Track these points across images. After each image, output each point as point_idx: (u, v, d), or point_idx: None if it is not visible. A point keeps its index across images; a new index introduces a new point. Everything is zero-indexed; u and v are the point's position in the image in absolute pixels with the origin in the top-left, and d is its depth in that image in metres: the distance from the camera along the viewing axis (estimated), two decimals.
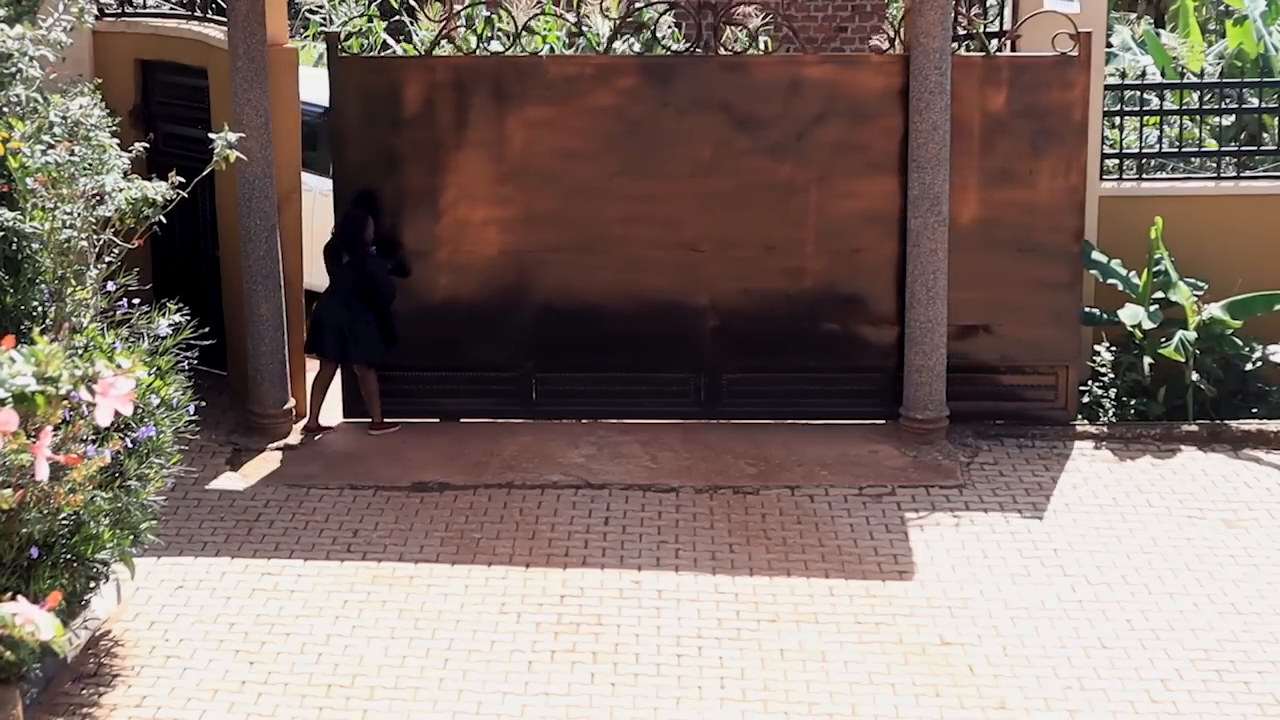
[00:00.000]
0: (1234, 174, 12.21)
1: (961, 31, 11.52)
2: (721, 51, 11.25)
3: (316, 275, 13.30)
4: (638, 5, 11.78)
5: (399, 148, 11.08)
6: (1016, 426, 11.17)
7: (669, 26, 18.98)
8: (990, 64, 11.00)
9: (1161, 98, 12.46)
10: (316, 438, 11.06)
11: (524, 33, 11.91)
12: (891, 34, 11.60)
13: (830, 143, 11.01)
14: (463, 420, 11.36)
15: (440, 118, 11.05)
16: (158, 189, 8.03)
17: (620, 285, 11.19)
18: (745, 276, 11.17)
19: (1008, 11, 12.31)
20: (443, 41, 11.37)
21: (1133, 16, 16.43)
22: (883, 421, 11.23)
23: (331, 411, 11.38)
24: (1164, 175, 12.44)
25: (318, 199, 13.80)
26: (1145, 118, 12.34)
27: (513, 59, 11.31)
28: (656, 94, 11.05)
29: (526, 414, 11.33)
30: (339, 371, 11.22)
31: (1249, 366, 11.54)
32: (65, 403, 4.55)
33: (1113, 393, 11.50)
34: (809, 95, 11.01)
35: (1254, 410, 11.42)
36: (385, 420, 11.20)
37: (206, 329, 8.76)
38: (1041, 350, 11.25)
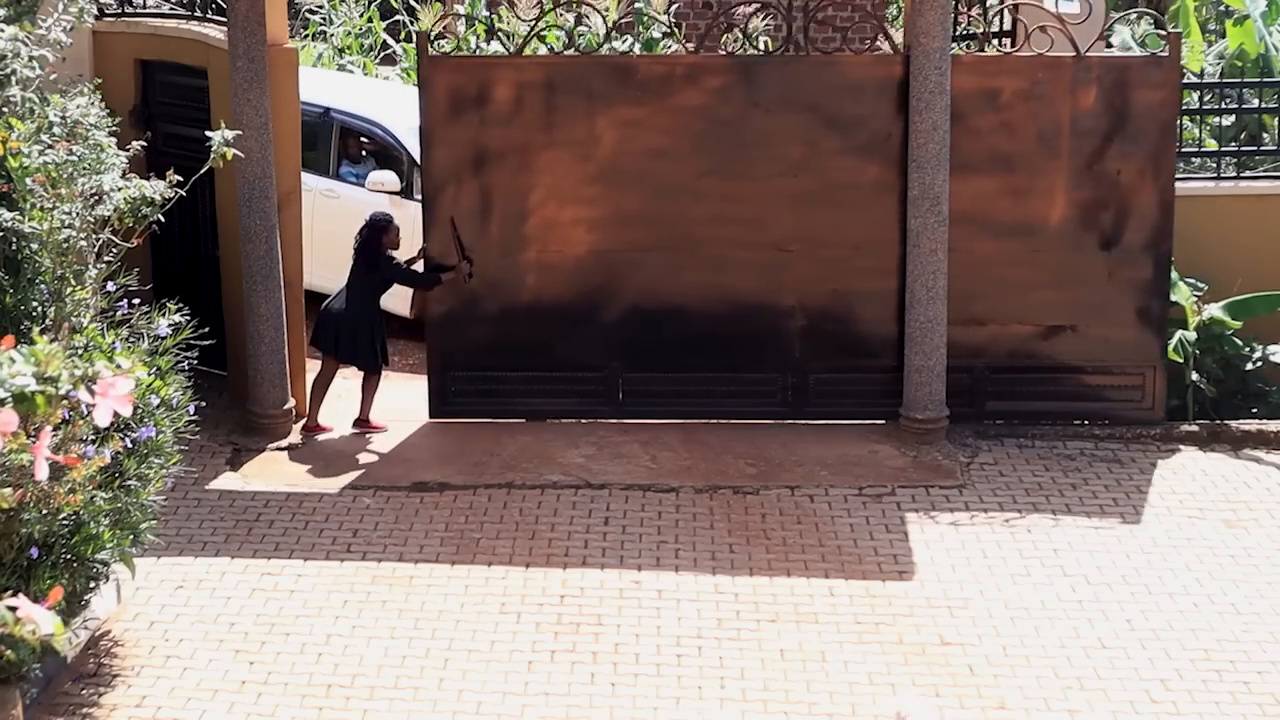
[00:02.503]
0: (1234, 174, 12.21)
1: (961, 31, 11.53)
2: (811, 51, 11.18)
3: (316, 275, 13.35)
4: (735, 6, 11.73)
5: (487, 147, 11.09)
6: (1017, 426, 11.17)
7: (667, 28, 19.02)
8: (1081, 64, 10.98)
9: None
10: (318, 438, 11.07)
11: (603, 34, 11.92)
12: (890, 35, 11.60)
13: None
14: (549, 420, 11.37)
15: (529, 117, 11.07)
16: (156, 188, 8.03)
17: (707, 285, 11.17)
18: (833, 276, 11.14)
19: (1008, 12, 12.31)
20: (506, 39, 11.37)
21: (1133, 16, 16.41)
22: (883, 421, 11.24)
23: (328, 412, 11.38)
24: None
25: (318, 199, 13.83)
26: None
27: (603, 58, 11.37)
28: (746, 94, 11.03)
29: (613, 414, 11.33)
30: (433, 373, 11.26)
31: (1249, 366, 11.55)
32: (65, 403, 4.55)
33: None
34: (898, 95, 10.97)
35: (1254, 410, 11.43)
36: (372, 421, 11.19)
37: (206, 329, 8.76)
38: (1128, 351, 11.22)
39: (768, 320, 11.23)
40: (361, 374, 11.27)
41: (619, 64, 11.39)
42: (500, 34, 12.19)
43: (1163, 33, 10.90)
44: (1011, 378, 11.26)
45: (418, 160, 13.85)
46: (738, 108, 11.04)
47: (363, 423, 11.24)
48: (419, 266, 11.46)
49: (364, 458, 10.69)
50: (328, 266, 13.85)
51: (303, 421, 11.20)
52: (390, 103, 15.00)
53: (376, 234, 11.12)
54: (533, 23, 11.45)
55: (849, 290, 11.17)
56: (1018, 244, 11.14)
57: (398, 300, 13.85)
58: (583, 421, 11.40)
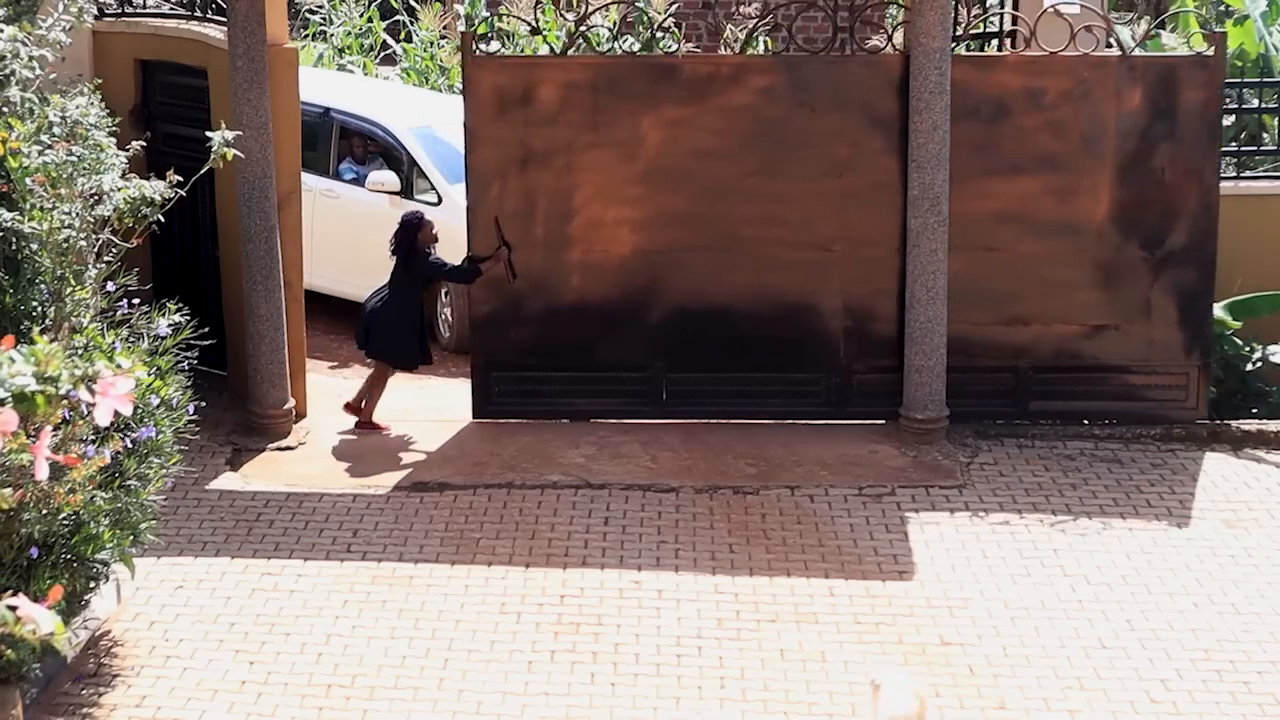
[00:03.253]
0: (1234, 174, 12.21)
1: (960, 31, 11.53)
2: (857, 51, 11.16)
3: (317, 275, 13.35)
4: (776, 5, 11.70)
5: (532, 147, 11.09)
6: (1017, 426, 11.18)
7: (670, 26, 19.01)
8: (1126, 64, 10.98)
9: None
10: (370, 434, 11.15)
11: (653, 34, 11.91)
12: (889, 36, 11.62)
13: (965, 142, 10.98)
14: (593, 420, 11.36)
15: (574, 117, 11.07)
16: (156, 188, 8.03)
17: (752, 285, 11.16)
18: (878, 277, 11.12)
19: (1008, 12, 12.31)
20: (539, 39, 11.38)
21: (1129, 17, 16.42)
22: (883, 421, 11.24)
23: (325, 411, 11.38)
24: None
25: (318, 199, 13.83)
26: None
27: (649, 58, 11.39)
28: (791, 93, 11.02)
29: (657, 415, 11.32)
30: (476, 373, 11.32)
31: (1249, 366, 11.54)
32: (65, 402, 4.55)
33: None
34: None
35: (1254, 410, 11.42)
36: (374, 422, 11.23)
37: (207, 329, 8.76)
38: (1172, 351, 11.20)
39: (811, 320, 11.20)
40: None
41: (664, 64, 11.39)
42: (543, 34, 12.15)
43: (1208, 31, 10.88)
44: (1056, 377, 11.24)
45: (417, 160, 13.88)
46: (783, 107, 11.03)
47: (366, 424, 11.27)
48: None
49: (364, 458, 10.69)
50: (328, 266, 13.88)
51: (355, 420, 11.28)
52: (390, 103, 15.01)
53: (411, 231, 11.20)
54: (576, 23, 11.45)
55: (894, 290, 11.14)
56: (1062, 243, 11.12)
57: None
58: (581, 421, 11.41)
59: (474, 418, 11.40)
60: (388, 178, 13.83)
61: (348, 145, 14.31)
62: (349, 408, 11.28)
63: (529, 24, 11.90)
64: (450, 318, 13.55)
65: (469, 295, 11.62)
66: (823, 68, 11.05)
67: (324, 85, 15.05)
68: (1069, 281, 11.18)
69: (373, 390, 11.32)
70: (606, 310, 11.27)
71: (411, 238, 11.18)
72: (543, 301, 11.26)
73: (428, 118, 14.69)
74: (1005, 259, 11.10)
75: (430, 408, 11.78)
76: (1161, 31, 16.11)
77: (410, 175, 13.87)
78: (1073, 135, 11.02)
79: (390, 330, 11.22)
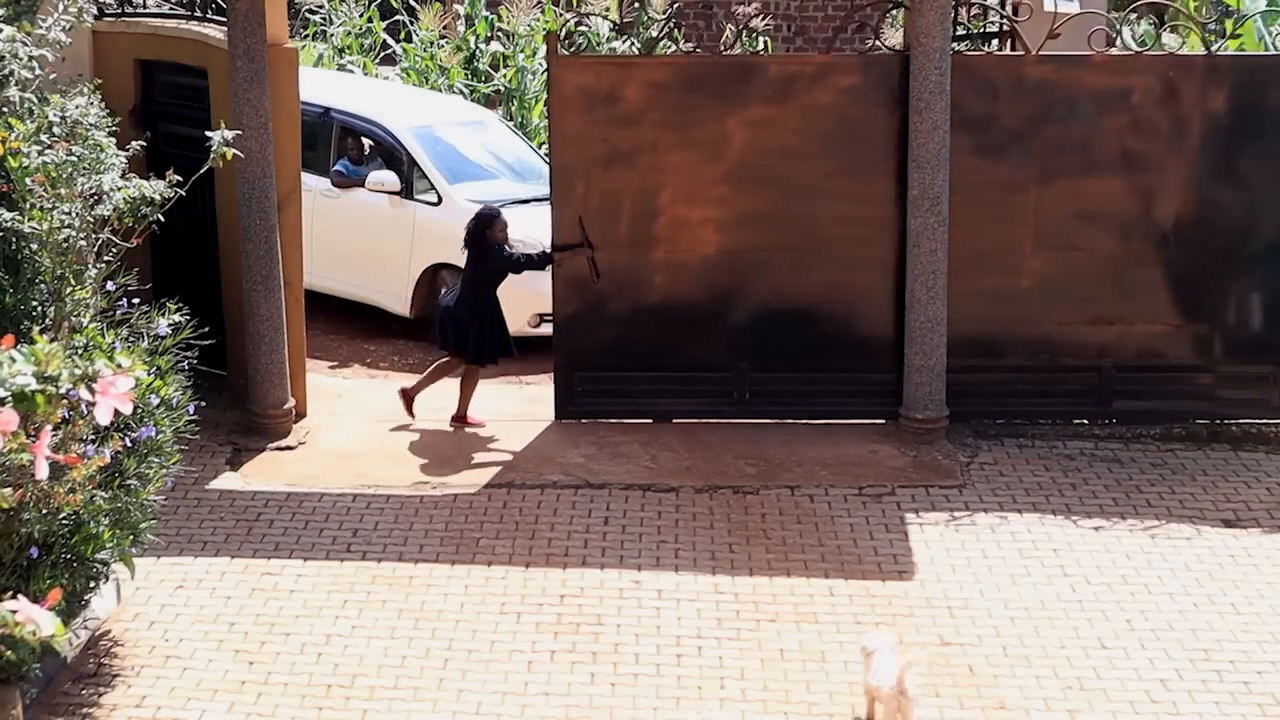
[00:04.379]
0: None
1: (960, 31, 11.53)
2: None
3: (316, 275, 13.35)
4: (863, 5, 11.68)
5: (616, 147, 11.09)
6: (1017, 426, 11.18)
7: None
8: (1211, 63, 10.98)
9: None
10: (466, 429, 11.25)
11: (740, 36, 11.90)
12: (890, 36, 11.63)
13: (1050, 142, 10.98)
14: (674, 421, 11.36)
15: (658, 117, 11.06)
16: (156, 188, 8.03)
17: (835, 285, 11.14)
18: (961, 276, 11.10)
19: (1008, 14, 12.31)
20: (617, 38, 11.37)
21: (1133, 17, 16.41)
22: (883, 421, 11.24)
23: (333, 410, 11.38)
24: None
25: (318, 199, 13.83)
26: None
27: (734, 58, 11.35)
28: (875, 93, 11.01)
29: (739, 414, 11.32)
30: (559, 373, 11.37)
31: None
32: (65, 402, 4.55)
33: None
34: (1029, 94, 10.98)
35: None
36: (469, 418, 11.30)
37: (207, 329, 8.75)
38: (1255, 350, 11.21)
39: (892, 321, 11.16)
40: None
41: (749, 64, 11.41)
42: (627, 34, 12.16)
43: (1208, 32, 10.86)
44: (1138, 377, 11.23)
45: (417, 160, 13.88)
46: (867, 107, 11.02)
47: (459, 419, 11.32)
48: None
49: (364, 457, 10.69)
50: (328, 266, 13.88)
51: (453, 414, 11.38)
52: (390, 103, 15.01)
53: (483, 226, 11.24)
54: (662, 24, 11.46)
55: (972, 290, 11.13)
56: (1145, 243, 11.12)
57: (396, 301, 13.88)
58: (582, 421, 11.41)
59: (556, 418, 11.41)
60: (388, 178, 13.83)
61: (347, 145, 14.31)
62: (456, 420, 11.34)
63: (612, 23, 11.94)
64: None
65: (554, 296, 11.57)
66: (906, 67, 11.00)
67: (324, 85, 15.05)
68: (1152, 281, 11.16)
69: (434, 382, 11.35)
70: (689, 310, 11.26)
71: (485, 232, 11.21)
72: (626, 301, 11.27)
73: (428, 118, 14.69)
74: (1088, 258, 11.09)
75: (430, 408, 11.77)
76: (1162, 31, 16.12)
77: (410, 175, 13.87)
78: (1156, 134, 11.00)
79: (464, 326, 11.26)
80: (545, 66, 11.27)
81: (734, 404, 11.36)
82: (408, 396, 11.45)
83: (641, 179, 11.13)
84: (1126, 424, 11.19)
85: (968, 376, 11.19)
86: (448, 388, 12.31)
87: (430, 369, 11.59)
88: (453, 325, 11.31)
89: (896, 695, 7.28)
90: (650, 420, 11.37)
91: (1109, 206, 11.08)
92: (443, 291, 11.67)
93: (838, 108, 10.99)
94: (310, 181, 13.47)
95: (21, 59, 8.01)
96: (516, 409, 11.84)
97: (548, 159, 11.44)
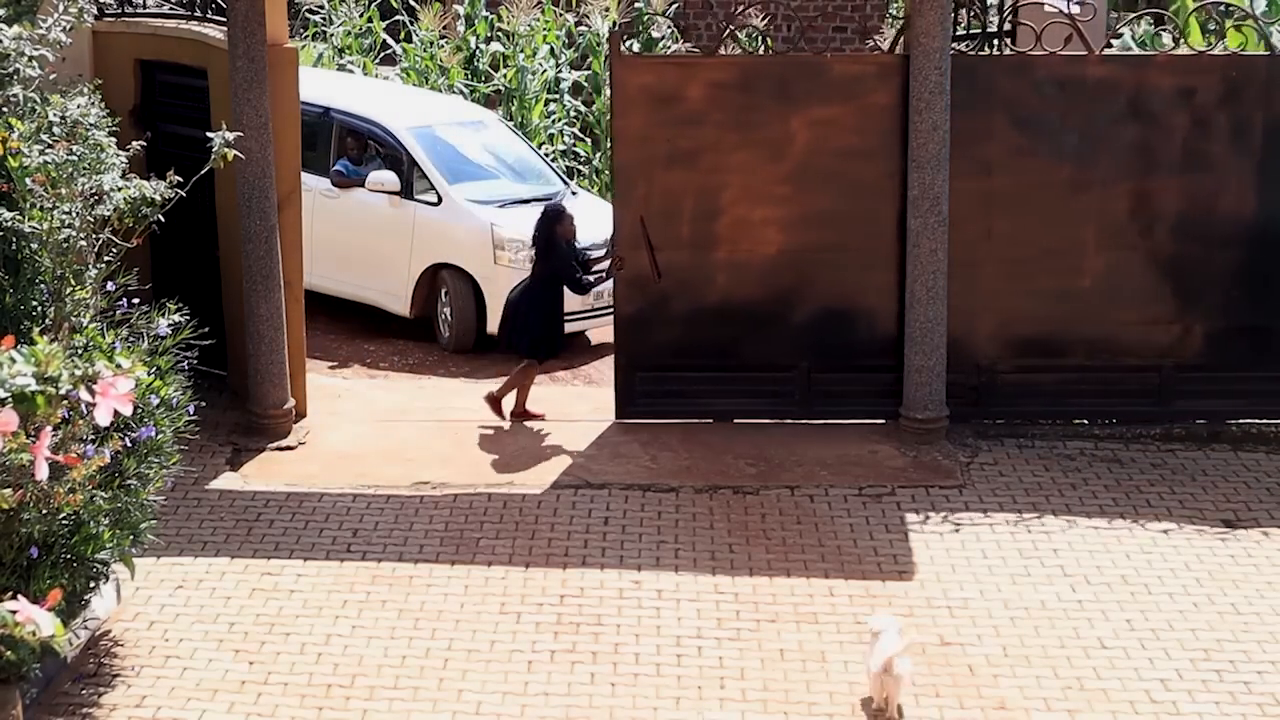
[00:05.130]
0: None
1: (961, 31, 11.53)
2: (1007, 51, 11.11)
3: (316, 275, 13.35)
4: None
5: (678, 147, 11.07)
6: (1017, 426, 11.18)
7: (668, 27, 19.05)
8: (1274, 62, 10.96)
9: None
10: (525, 424, 11.31)
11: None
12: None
13: (1112, 142, 10.98)
14: (735, 421, 11.33)
15: (720, 117, 11.04)
16: (156, 188, 8.03)
17: (896, 285, 11.10)
18: (1023, 276, 11.11)
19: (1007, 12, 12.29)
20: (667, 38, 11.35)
21: (1131, 16, 16.42)
22: (883, 421, 11.23)
23: (331, 410, 11.38)
24: None
25: (318, 199, 13.83)
26: None
27: (796, 58, 11.29)
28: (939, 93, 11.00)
29: (801, 414, 11.30)
30: (619, 374, 11.38)
31: None
32: (65, 402, 4.56)
33: None
34: (1091, 94, 10.97)
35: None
36: (529, 411, 11.36)
37: (207, 329, 8.75)
38: None
39: (957, 320, 11.14)
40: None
41: (812, 64, 11.38)
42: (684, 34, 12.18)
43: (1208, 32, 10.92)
44: (1199, 377, 11.20)
45: (417, 160, 13.88)
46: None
47: (519, 415, 11.36)
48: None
49: (364, 458, 10.68)
50: (328, 266, 13.88)
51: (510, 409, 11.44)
52: (390, 103, 15.01)
53: (549, 224, 11.30)
54: (725, 23, 11.45)
55: (1039, 289, 11.12)
56: (1207, 242, 11.10)
57: (396, 301, 13.88)
58: (581, 421, 11.41)
59: (616, 418, 11.40)
60: (387, 178, 13.83)
61: (347, 145, 14.31)
62: (516, 415, 11.39)
63: (675, 25, 11.95)
64: (449, 317, 13.55)
65: (615, 295, 11.56)
66: (968, 67, 11.01)
67: (324, 85, 15.05)
68: (1213, 280, 11.15)
69: (520, 384, 11.39)
70: (751, 310, 11.24)
71: (551, 229, 11.24)
72: (688, 301, 11.25)
73: (428, 118, 14.69)
74: (1150, 258, 11.09)
75: (429, 408, 11.78)
76: (1162, 31, 16.12)
77: (410, 175, 13.87)
78: (1218, 134, 10.99)
79: (523, 321, 11.29)
80: (608, 67, 11.27)
81: (795, 404, 11.33)
82: (519, 415, 11.43)
83: (703, 179, 11.10)
84: (1185, 423, 11.14)
85: (1027, 377, 11.20)
86: (446, 390, 12.33)
87: (518, 379, 11.54)
88: (513, 321, 11.39)
89: (881, 675, 7.49)
90: (711, 421, 11.34)
91: (1171, 206, 11.05)
92: (512, 288, 11.74)
93: (900, 107, 10.98)
94: (310, 181, 13.47)
95: (26, 57, 8.02)
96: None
97: (610, 159, 11.43)
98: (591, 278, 11.74)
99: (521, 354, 11.41)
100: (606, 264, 11.79)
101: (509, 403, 11.41)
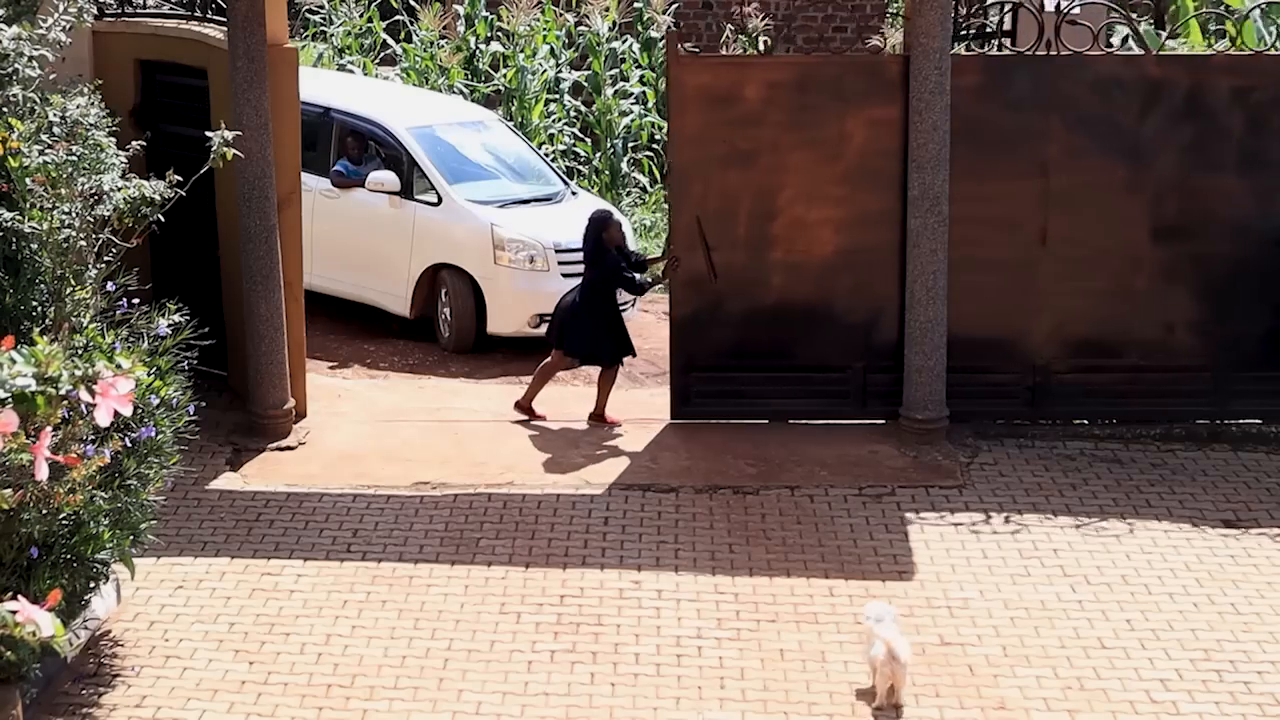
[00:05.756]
0: None
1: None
2: (1062, 51, 11.08)
3: (316, 275, 13.35)
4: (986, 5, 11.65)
5: (735, 147, 11.07)
6: (1017, 426, 11.18)
7: (668, 27, 19.05)
8: None
9: None
10: (530, 420, 11.34)
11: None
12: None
13: (1168, 142, 10.98)
14: (790, 422, 11.33)
15: (777, 117, 11.03)
16: (156, 188, 8.03)
17: (954, 285, 11.05)
18: (1081, 275, 11.11)
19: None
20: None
21: (1132, 17, 16.43)
22: (883, 421, 11.24)
23: (335, 410, 11.38)
24: None
25: (318, 199, 13.83)
26: None
27: (855, 59, 11.28)
28: (996, 93, 11.01)
29: (856, 414, 11.29)
30: (675, 374, 11.36)
31: None
32: (65, 402, 4.56)
33: None
34: (1147, 94, 10.97)
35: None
36: (605, 416, 11.36)
37: (207, 329, 8.75)
38: None
39: (1013, 320, 11.17)
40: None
41: (871, 64, 11.38)
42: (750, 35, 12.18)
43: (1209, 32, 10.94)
44: (1255, 377, 11.20)
45: (417, 160, 13.88)
46: (988, 107, 11.00)
47: (597, 417, 11.37)
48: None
49: (364, 458, 10.68)
50: (328, 267, 13.88)
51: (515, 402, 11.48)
52: (391, 103, 15.01)
53: (596, 230, 11.31)
54: (785, 23, 11.43)
55: (1096, 289, 11.13)
56: (1263, 243, 11.10)
57: (396, 301, 13.88)
58: (581, 421, 11.41)
59: (672, 419, 11.40)
60: (387, 178, 13.83)
61: (348, 145, 14.30)
62: (593, 418, 11.39)
63: (736, 25, 11.95)
64: (450, 317, 13.55)
65: (671, 296, 11.56)
66: (1027, 67, 10.99)
67: (324, 85, 15.05)
68: (1269, 281, 11.14)
69: (605, 390, 11.38)
70: (807, 310, 11.23)
71: (598, 235, 11.25)
72: (744, 302, 11.24)
73: (428, 118, 14.69)
74: (1206, 258, 11.09)
75: (429, 408, 11.78)
76: (1162, 32, 16.12)
77: (410, 175, 13.87)
78: (1276, 134, 10.99)
79: (583, 328, 11.30)
80: (665, 67, 11.22)
81: (850, 404, 11.31)
82: (524, 408, 11.44)
83: (760, 179, 11.10)
84: (1185, 423, 11.14)
85: (1082, 377, 11.20)
86: (446, 390, 12.34)
87: (536, 372, 11.56)
88: (566, 325, 11.36)
89: (888, 663, 7.54)
90: (766, 421, 11.33)
91: (1226, 207, 11.05)
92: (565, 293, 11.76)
93: (958, 107, 10.97)
94: (310, 182, 13.47)
95: (25, 57, 8.02)
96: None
97: (666, 160, 11.42)
98: (649, 278, 11.71)
99: (604, 364, 11.40)
100: (661, 264, 11.75)
101: (536, 404, 11.40)
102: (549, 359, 11.54)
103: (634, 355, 11.75)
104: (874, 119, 11.00)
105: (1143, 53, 11.06)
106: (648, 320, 14.42)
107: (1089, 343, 11.24)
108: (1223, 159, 11.03)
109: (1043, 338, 11.23)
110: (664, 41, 11.88)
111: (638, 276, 11.47)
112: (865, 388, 11.30)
